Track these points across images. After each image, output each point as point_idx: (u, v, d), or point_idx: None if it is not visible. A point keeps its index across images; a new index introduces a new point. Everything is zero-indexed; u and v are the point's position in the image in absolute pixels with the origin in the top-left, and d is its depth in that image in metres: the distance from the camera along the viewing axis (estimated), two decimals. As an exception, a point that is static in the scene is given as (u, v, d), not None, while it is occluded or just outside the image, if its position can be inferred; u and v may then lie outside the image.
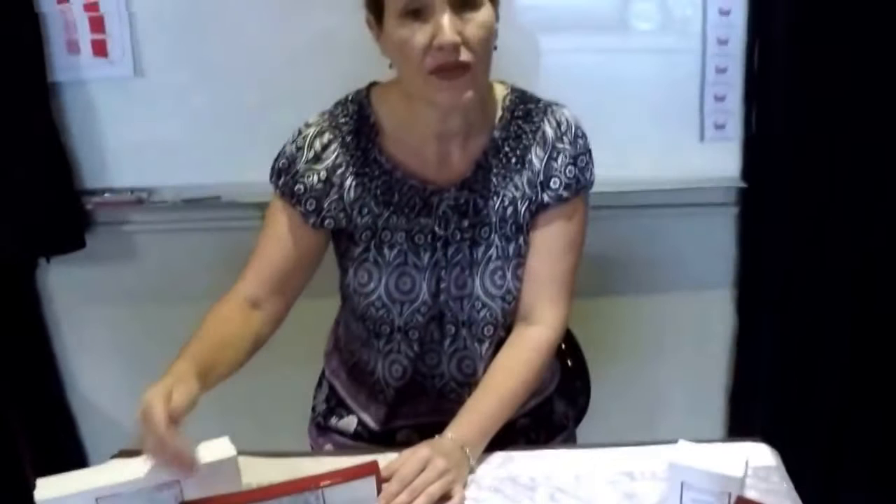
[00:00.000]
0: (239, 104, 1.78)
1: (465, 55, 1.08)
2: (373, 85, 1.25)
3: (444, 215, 1.21)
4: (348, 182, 1.21)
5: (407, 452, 1.10)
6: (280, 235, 1.23)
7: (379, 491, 1.03)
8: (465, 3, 1.07)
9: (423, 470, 1.07)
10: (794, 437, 1.60)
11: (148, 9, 1.74)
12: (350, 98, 1.24)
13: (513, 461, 1.18)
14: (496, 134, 1.22)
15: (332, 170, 1.21)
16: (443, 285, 1.24)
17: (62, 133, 1.81)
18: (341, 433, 1.38)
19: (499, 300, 1.24)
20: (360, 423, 1.36)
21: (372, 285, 1.23)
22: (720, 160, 1.83)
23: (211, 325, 1.16)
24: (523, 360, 1.24)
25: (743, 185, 1.84)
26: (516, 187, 1.22)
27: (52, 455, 2.06)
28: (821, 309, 1.89)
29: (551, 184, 1.22)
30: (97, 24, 1.75)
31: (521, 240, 1.23)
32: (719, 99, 1.79)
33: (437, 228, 1.22)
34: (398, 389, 1.30)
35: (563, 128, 1.22)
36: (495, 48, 1.14)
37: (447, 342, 1.27)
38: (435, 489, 1.06)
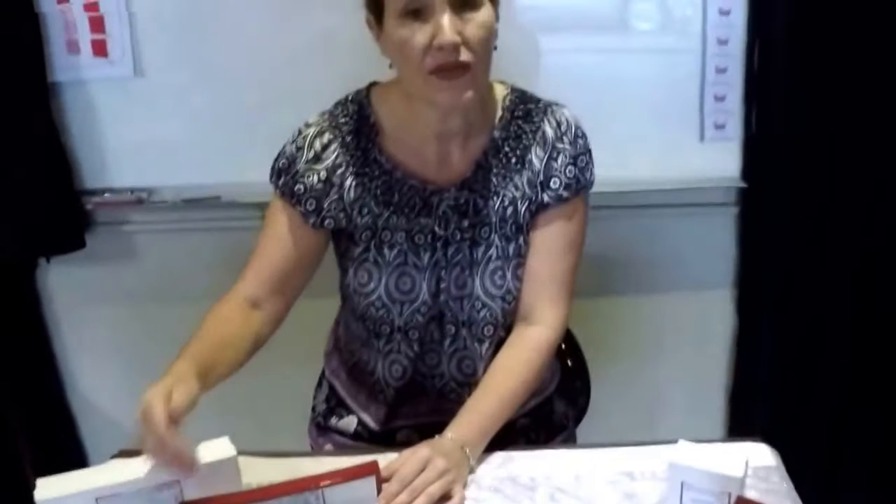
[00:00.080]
0: (239, 104, 1.78)
1: (465, 55, 1.08)
2: (373, 85, 1.25)
3: (444, 215, 1.21)
4: (348, 182, 1.21)
5: (407, 452, 1.10)
6: (280, 235, 1.23)
7: (379, 491, 1.03)
8: (465, 3, 1.07)
9: (423, 470, 1.07)
10: (794, 437, 1.60)
11: (148, 9, 1.74)
12: (350, 98, 1.24)
13: (513, 461, 1.18)
14: (496, 134, 1.22)
15: (332, 170, 1.21)
16: (443, 285, 1.24)
17: (62, 133, 1.81)
18: (341, 433, 1.38)
19: (499, 300, 1.24)
20: (360, 423, 1.36)
21: (372, 285, 1.23)
22: (720, 160, 1.83)
23: (211, 325, 1.16)
24: (523, 360, 1.24)
25: (743, 185, 1.84)
26: (516, 187, 1.22)
27: (52, 455, 2.06)
28: (821, 309, 1.89)
29: (551, 184, 1.22)
30: (97, 24, 1.75)
31: (521, 240, 1.23)
32: (719, 99, 1.79)
33: (437, 228, 1.22)
34: (398, 389, 1.30)
35: (563, 128, 1.22)
36: (495, 48, 1.14)
37: (447, 342, 1.27)
38: (435, 489, 1.06)
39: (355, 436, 1.36)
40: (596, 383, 1.51)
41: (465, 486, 1.11)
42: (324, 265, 1.28)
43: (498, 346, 1.27)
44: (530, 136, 1.22)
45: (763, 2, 1.72)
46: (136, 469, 0.97)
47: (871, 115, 1.73)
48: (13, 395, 2.00)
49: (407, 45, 1.08)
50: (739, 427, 2.02)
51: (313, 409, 1.44)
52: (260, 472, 1.09)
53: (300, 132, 1.23)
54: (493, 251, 1.23)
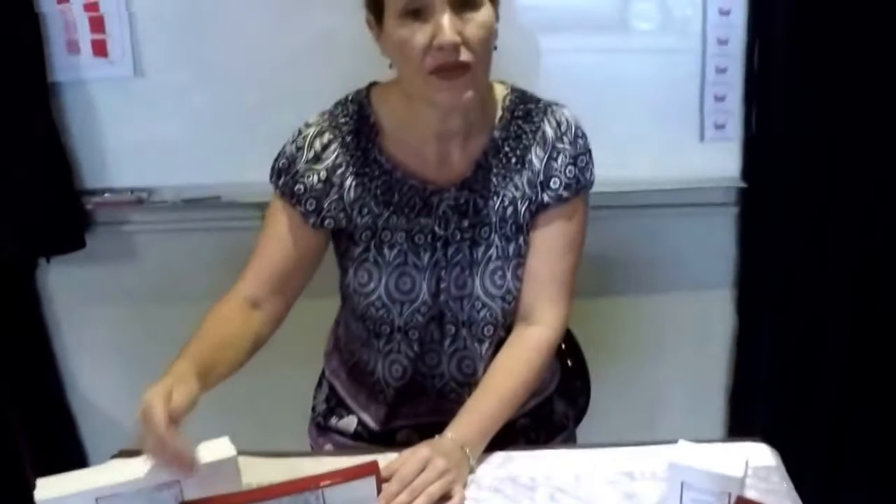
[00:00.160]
0: (239, 104, 1.78)
1: (465, 55, 1.08)
2: (373, 85, 1.25)
3: (444, 215, 1.21)
4: (348, 182, 1.21)
5: (407, 452, 1.10)
6: (280, 235, 1.23)
7: (379, 491, 1.03)
8: (465, 3, 1.07)
9: (423, 470, 1.07)
10: (794, 437, 1.60)
11: (148, 9, 1.74)
12: (350, 98, 1.24)
13: (513, 461, 1.18)
14: (496, 134, 1.22)
15: (332, 170, 1.21)
16: (443, 285, 1.24)
17: (62, 133, 1.81)
18: (341, 433, 1.38)
19: (499, 300, 1.24)
20: (360, 423, 1.36)
21: (372, 285, 1.23)
22: (720, 160, 1.83)
23: (211, 325, 1.16)
24: (523, 360, 1.24)
25: (743, 185, 1.84)
26: (516, 187, 1.22)
27: (52, 455, 2.06)
28: (821, 309, 1.89)
29: (551, 184, 1.22)
30: (97, 24, 1.75)
31: (521, 240, 1.23)
32: (719, 99, 1.79)
33: (437, 228, 1.22)
34: (398, 389, 1.30)
35: (563, 128, 1.22)
36: (495, 48, 1.14)
37: (447, 342, 1.27)
38: (435, 489, 1.06)
39: (355, 436, 1.36)
40: (596, 383, 1.51)
41: (465, 486, 1.11)
42: (324, 265, 1.28)
43: (498, 346, 1.27)
44: (530, 136, 1.22)
45: (763, 2, 1.72)
46: (136, 469, 0.97)
47: (871, 115, 1.73)
48: (13, 395, 2.00)
49: (407, 45, 1.08)
50: (739, 427, 2.02)
51: (313, 409, 1.44)
52: (260, 472, 1.08)
53: (300, 132, 1.23)
54: (493, 251, 1.23)
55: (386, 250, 1.22)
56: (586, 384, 1.51)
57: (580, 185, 1.23)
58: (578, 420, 1.49)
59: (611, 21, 1.77)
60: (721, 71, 1.77)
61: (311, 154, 1.21)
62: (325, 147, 1.21)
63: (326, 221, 1.22)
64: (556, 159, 1.22)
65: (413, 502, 1.04)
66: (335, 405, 1.39)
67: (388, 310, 1.24)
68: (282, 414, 1.56)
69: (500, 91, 1.25)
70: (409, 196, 1.21)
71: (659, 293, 1.99)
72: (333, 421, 1.39)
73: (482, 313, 1.24)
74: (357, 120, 1.21)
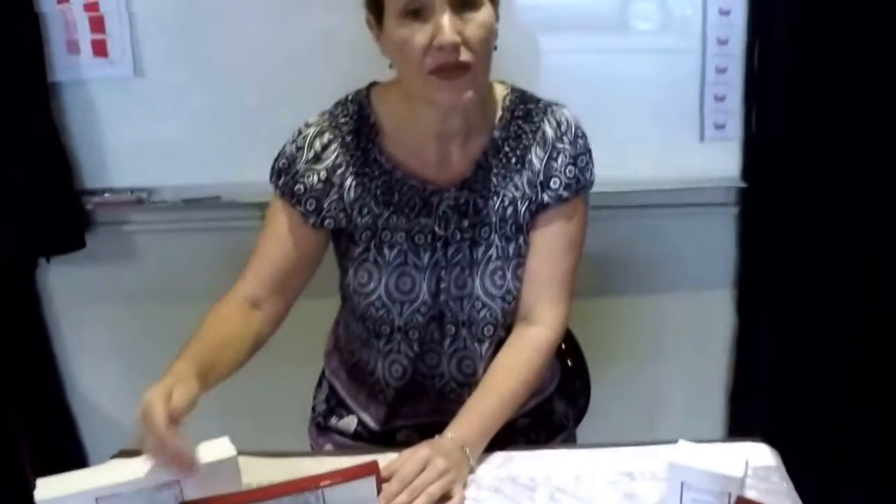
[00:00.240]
0: (239, 104, 1.78)
1: (465, 55, 1.08)
2: (373, 85, 1.25)
3: (444, 215, 1.21)
4: (348, 182, 1.21)
5: (407, 452, 1.10)
6: (280, 235, 1.23)
7: (379, 491, 1.03)
8: (465, 3, 1.07)
9: (423, 470, 1.07)
10: (794, 437, 1.60)
11: (148, 9, 1.74)
12: (350, 98, 1.24)
13: (513, 461, 1.18)
14: (496, 134, 1.22)
15: (332, 170, 1.21)
16: (443, 285, 1.24)
17: (62, 133, 1.81)
18: (341, 433, 1.38)
19: (499, 300, 1.24)
20: (360, 423, 1.36)
21: (372, 285, 1.23)
22: (720, 160, 1.83)
23: (211, 325, 1.16)
24: (523, 360, 1.24)
25: (743, 185, 1.84)
26: (516, 187, 1.22)
27: (52, 455, 2.06)
28: (821, 309, 1.89)
29: (551, 184, 1.22)
30: (97, 24, 1.75)
31: (521, 240, 1.23)
32: (719, 99, 1.79)
33: (437, 228, 1.22)
34: (398, 389, 1.30)
35: (563, 128, 1.22)
36: (495, 48, 1.14)
37: (447, 342, 1.27)
38: (435, 489, 1.06)
39: (355, 436, 1.36)
40: (596, 383, 1.51)
41: (465, 486, 1.11)
42: (324, 265, 1.28)
43: (498, 346, 1.27)
44: (530, 136, 1.22)
45: (763, 2, 1.72)
46: (136, 469, 0.97)
47: (871, 115, 1.73)
48: (13, 395, 2.00)
49: (407, 45, 1.08)
50: (739, 427, 2.02)
51: (313, 409, 1.44)
52: (260, 472, 1.08)
53: (300, 132, 1.23)
54: (493, 251, 1.23)
55: (386, 250, 1.22)
56: (586, 384, 1.51)
57: (580, 185, 1.23)
58: (578, 420, 1.49)
59: (611, 21, 1.77)
60: (721, 71, 1.77)
61: (311, 154, 1.21)
62: (325, 147, 1.21)
63: (326, 221, 1.22)
64: (556, 159, 1.22)
65: (413, 502, 1.04)
66: (335, 405, 1.39)
67: (388, 310, 1.24)
68: (282, 414, 1.56)
69: (500, 91, 1.25)
70: (409, 196, 1.21)
71: (659, 293, 1.99)
72: (333, 421, 1.39)
73: (482, 313, 1.24)
74: (357, 120, 1.21)
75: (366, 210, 1.21)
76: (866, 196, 1.80)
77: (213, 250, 1.86)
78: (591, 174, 1.25)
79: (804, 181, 1.80)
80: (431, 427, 1.19)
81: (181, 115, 1.80)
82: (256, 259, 1.24)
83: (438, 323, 1.26)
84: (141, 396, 0.96)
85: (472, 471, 1.14)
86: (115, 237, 1.94)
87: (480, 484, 1.13)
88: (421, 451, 1.09)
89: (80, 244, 1.88)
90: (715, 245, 1.94)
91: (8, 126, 1.76)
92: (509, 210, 1.22)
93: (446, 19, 1.06)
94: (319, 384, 1.45)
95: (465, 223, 1.22)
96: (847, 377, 1.93)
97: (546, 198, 1.22)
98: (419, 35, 1.07)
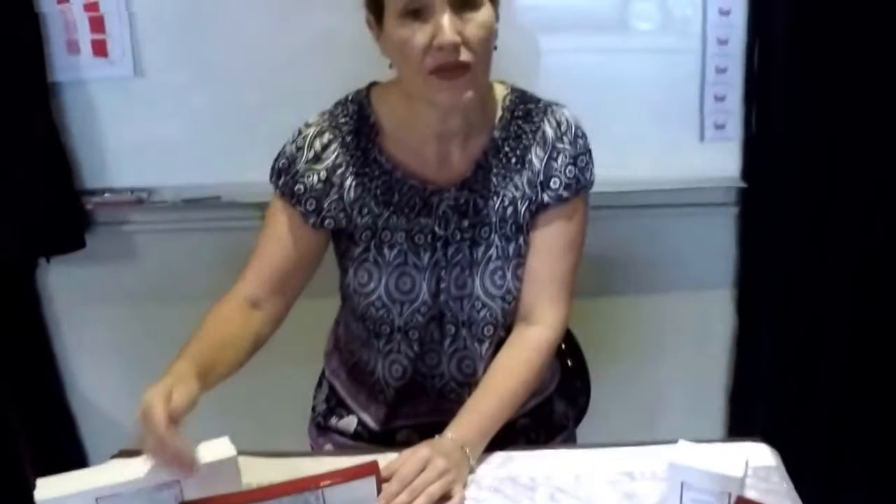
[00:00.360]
0: (239, 104, 1.78)
1: (465, 55, 1.08)
2: (373, 85, 1.25)
3: (444, 215, 1.21)
4: (348, 182, 1.21)
5: (407, 452, 1.10)
6: (280, 235, 1.23)
7: (379, 491, 1.03)
8: (465, 3, 1.07)
9: (423, 470, 1.07)
10: (794, 437, 1.60)
11: (148, 9, 1.74)
12: (350, 98, 1.24)
13: (513, 461, 1.18)
14: (496, 134, 1.22)
15: (332, 170, 1.21)
16: (443, 285, 1.24)
17: (62, 133, 1.81)
18: (341, 433, 1.38)
19: (499, 300, 1.24)
20: (360, 423, 1.36)
21: (372, 285, 1.23)
22: (720, 160, 1.83)
23: (211, 325, 1.16)
24: (523, 360, 1.24)
25: (743, 185, 1.84)
26: (516, 187, 1.22)
27: (52, 455, 2.06)
28: (821, 309, 1.89)
29: (551, 184, 1.22)
30: (97, 24, 1.75)
31: (521, 240, 1.23)
32: (719, 99, 1.79)
33: (437, 228, 1.22)
34: (398, 389, 1.30)
35: (563, 128, 1.22)
36: (495, 48, 1.14)
37: (447, 342, 1.27)
38: (435, 489, 1.06)
39: (355, 436, 1.36)
40: (596, 383, 1.51)
41: (465, 486, 1.11)
42: (324, 265, 1.28)
43: (498, 346, 1.27)
44: (530, 136, 1.22)
45: (763, 2, 1.72)
46: (136, 469, 0.97)
47: (871, 115, 1.73)
48: (13, 395, 2.00)
49: (407, 45, 1.08)
50: (739, 427, 2.02)
51: (313, 409, 1.44)
52: (260, 472, 1.09)
53: (300, 132, 1.23)
54: (493, 251, 1.23)
55: (386, 250, 1.22)
56: (586, 384, 1.51)
57: (580, 185, 1.23)
58: (578, 420, 1.49)
59: (611, 21, 1.77)
60: (721, 71, 1.77)
61: (311, 154, 1.21)
62: (325, 147, 1.21)
63: (326, 221, 1.22)
64: (556, 159, 1.22)
65: (413, 502, 1.04)
66: (335, 405, 1.39)
67: (388, 310, 1.24)
68: (282, 414, 1.56)
69: (500, 91, 1.25)
70: (409, 196, 1.21)
71: (659, 293, 1.99)
72: (333, 421, 1.39)
73: (482, 313, 1.24)
74: (357, 120, 1.21)
75: (366, 210, 1.21)
76: (866, 196, 1.80)
77: (213, 250, 1.86)
78: (591, 174, 1.25)
79: (804, 181, 1.80)
80: (431, 427, 1.19)
81: (181, 115, 1.80)
82: (256, 259, 1.24)
83: (438, 323, 1.26)
84: (141, 396, 0.96)
85: (472, 471, 1.14)
86: (115, 237, 1.94)
87: (480, 484, 1.13)
88: (421, 451, 1.09)
89: (80, 244, 1.88)
90: (715, 245, 1.94)
91: (8, 126, 1.76)
92: (509, 210, 1.22)
93: (446, 19, 1.06)
94: (319, 384, 1.45)
95: (465, 223, 1.22)
96: (847, 377, 1.93)
97: (546, 198, 1.22)
98: (419, 35, 1.07)
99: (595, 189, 1.26)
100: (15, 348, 1.98)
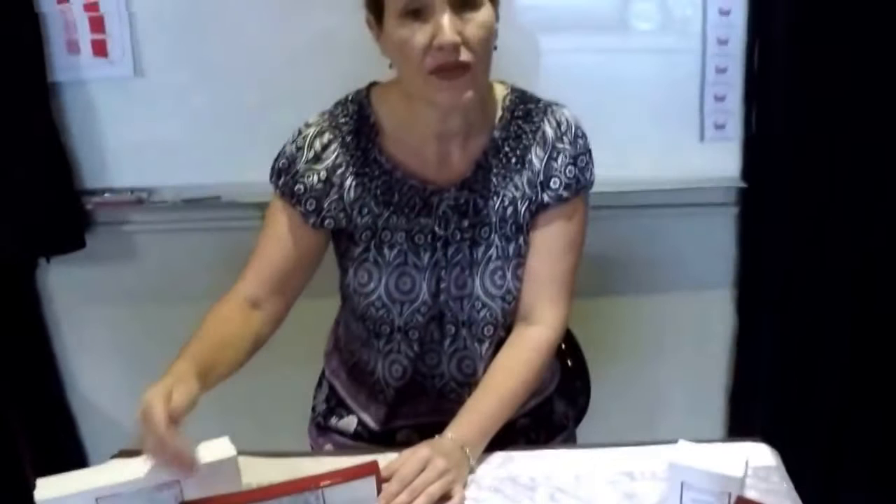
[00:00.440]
0: (239, 104, 1.78)
1: (465, 55, 1.08)
2: (373, 85, 1.25)
3: (444, 215, 1.21)
4: (348, 182, 1.21)
5: (407, 452, 1.10)
6: (280, 235, 1.23)
7: (379, 491, 1.03)
8: (465, 3, 1.07)
9: (423, 470, 1.07)
10: (794, 437, 1.60)
11: (148, 9, 1.74)
12: (350, 98, 1.24)
13: (513, 461, 1.18)
14: (496, 134, 1.22)
15: (332, 170, 1.21)
16: (443, 285, 1.24)
17: (62, 133, 1.81)
18: (341, 433, 1.38)
19: (499, 300, 1.24)
20: (360, 423, 1.36)
21: (372, 285, 1.23)
22: (720, 160, 1.83)
23: (211, 325, 1.16)
24: (523, 360, 1.24)
25: (743, 185, 1.84)
26: (516, 187, 1.22)
27: (52, 455, 2.06)
28: (821, 309, 1.89)
29: (551, 184, 1.22)
30: (97, 24, 1.75)
31: (521, 240, 1.23)
32: (719, 99, 1.79)
33: (437, 228, 1.22)
34: (398, 389, 1.30)
35: (563, 128, 1.22)
36: (495, 48, 1.14)
37: (447, 342, 1.27)
38: (435, 489, 1.06)
39: (355, 436, 1.36)
40: (596, 383, 1.51)
41: (465, 486, 1.11)
42: (324, 265, 1.28)
43: (498, 346, 1.27)
44: (530, 136, 1.22)
45: (763, 2, 1.72)
46: (136, 469, 0.97)
47: (871, 115, 1.73)
48: (13, 395, 2.00)
49: (407, 45, 1.08)
50: (739, 427, 2.02)
51: (313, 409, 1.44)
52: (260, 472, 1.09)
53: (300, 132, 1.23)
54: (493, 251, 1.23)
55: (386, 250, 1.22)
56: (586, 384, 1.51)
57: (580, 185, 1.23)
58: (578, 420, 1.49)
59: (611, 21, 1.77)
60: (721, 71, 1.77)
61: (311, 154, 1.21)
62: (325, 147, 1.21)
63: (326, 221, 1.22)
64: (556, 159, 1.22)
65: (413, 502, 1.04)
66: (335, 405, 1.39)
67: (388, 310, 1.24)
68: (282, 414, 1.56)
69: (500, 91, 1.25)
70: (409, 196, 1.21)
71: (659, 293, 1.99)
72: (333, 421, 1.39)
73: (482, 313, 1.24)
74: (357, 120, 1.21)
75: (366, 210, 1.21)
76: (866, 196, 1.80)
77: (213, 250, 1.86)
78: (591, 174, 1.25)
79: (804, 181, 1.80)
80: (431, 427, 1.19)
81: (181, 115, 1.80)
82: (256, 259, 1.24)
83: (438, 323, 1.26)
84: (141, 396, 0.96)
85: (472, 471, 1.14)
86: (115, 237, 1.94)
87: (480, 484, 1.13)
88: (421, 451, 1.09)
89: (80, 244, 1.88)
90: (715, 245, 1.94)
91: (8, 126, 1.76)
92: (509, 210, 1.22)
93: (446, 19, 1.06)
94: (319, 384, 1.45)
95: (465, 223, 1.22)
96: (847, 377, 1.93)
97: (546, 198, 1.22)
98: (419, 35, 1.07)
99: (595, 189, 1.26)
100: (15, 348, 1.98)
